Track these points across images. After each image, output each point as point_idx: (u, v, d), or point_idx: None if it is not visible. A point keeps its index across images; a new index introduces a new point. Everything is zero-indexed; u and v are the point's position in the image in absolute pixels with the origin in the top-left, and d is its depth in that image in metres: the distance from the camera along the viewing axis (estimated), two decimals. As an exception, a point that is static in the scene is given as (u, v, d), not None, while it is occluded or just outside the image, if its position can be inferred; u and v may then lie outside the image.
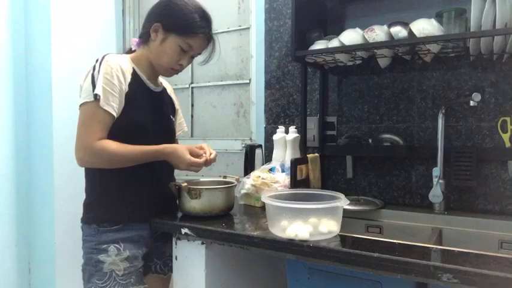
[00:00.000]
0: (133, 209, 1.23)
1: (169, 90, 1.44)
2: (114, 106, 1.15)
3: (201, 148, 1.29)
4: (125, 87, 1.19)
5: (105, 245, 1.19)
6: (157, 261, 1.36)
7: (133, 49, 1.32)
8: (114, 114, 1.16)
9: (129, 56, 1.28)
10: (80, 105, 1.16)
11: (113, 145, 1.15)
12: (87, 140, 1.13)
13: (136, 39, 1.31)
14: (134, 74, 1.23)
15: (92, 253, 1.20)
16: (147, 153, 1.20)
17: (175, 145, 1.26)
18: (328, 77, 1.72)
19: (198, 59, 1.34)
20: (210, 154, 1.27)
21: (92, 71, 1.16)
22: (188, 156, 1.21)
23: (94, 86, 1.13)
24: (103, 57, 1.18)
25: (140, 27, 1.45)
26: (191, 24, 1.21)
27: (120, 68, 1.18)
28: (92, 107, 1.13)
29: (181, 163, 1.22)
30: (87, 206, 1.25)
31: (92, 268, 1.20)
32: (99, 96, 1.12)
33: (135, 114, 1.20)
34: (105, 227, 1.20)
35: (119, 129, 1.17)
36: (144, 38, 1.27)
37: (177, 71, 1.29)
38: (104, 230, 1.20)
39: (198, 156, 1.24)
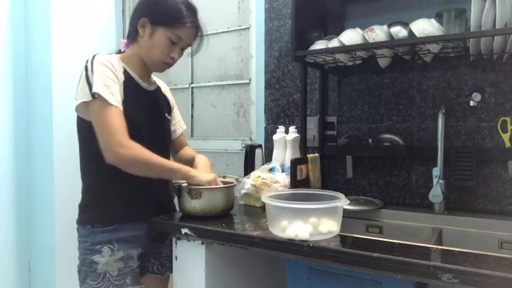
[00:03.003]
0: (127, 209, 1.23)
1: (164, 89, 1.43)
2: (119, 102, 1.15)
3: None
4: (121, 84, 1.18)
5: (99, 246, 1.19)
6: (155, 261, 1.36)
7: (122, 50, 1.31)
8: (122, 109, 1.15)
9: (118, 56, 1.26)
10: (86, 106, 1.14)
11: (144, 148, 1.15)
12: (120, 136, 1.11)
13: (125, 40, 1.31)
14: (126, 73, 1.22)
15: (87, 254, 1.19)
16: (174, 167, 1.22)
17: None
18: (328, 77, 1.72)
19: (188, 50, 1.34)
20: None
21: (84, 72, 1.15)
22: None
23: (90, 86, 1.12)
24: (93, 57, 1.17)
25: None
26: (178, 15, 1.21)
27: (113, 66, 1.18)
28: (102, 103, 1.12)
29: (207, 175, 1.25)
30: (83, 207, 1.25)
31: (86, 269, 1.19)
32: (98, 94, 1.11)
33: (128, 113, 1.18)
34: (99, 227, 1.20)
35: None
36: (132, 35, 1.26)
37: (168, 65, 1.28)
38: (98, 231, 1.20)
39: None
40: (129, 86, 1.22)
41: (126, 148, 1.11)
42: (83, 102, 1.14)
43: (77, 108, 1.19)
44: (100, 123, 1.13)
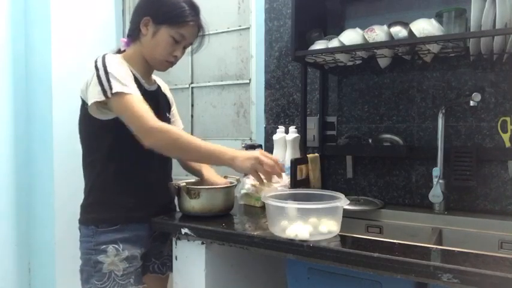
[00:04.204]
0: (131, 210, 1.22)
1: (163, 87, 1.43)
2: (137, 90, 1.14)
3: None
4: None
5: (104, 246, 1.18)
6: (156, 261, 1.36)
7: (122, 49, 1.31)
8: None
9: (122, 56, 1.26)
10: (110, 102, 1.12)
11: (179, 130, 1.17)
12: (153, 120, 1.10)
13: (125, 39, 1.30)
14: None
15: (91, 254, 1.19)
16: (214, 150, 1.14)
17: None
18: (328, 77, 1.72)
19: (189, 48, 1.33)
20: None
21: (96, 72, 1.13)
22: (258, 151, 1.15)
23: (103, 85, 1.10)
24: (104, 57, 1.16)
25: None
26: (181, 14, 1.21)
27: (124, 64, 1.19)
28: (125, 96, 1.10)
29: (251, 157, 1.11)
30: (86, 207, 1.25)
31: (90, 269, 1.19)
32: (118, 92, 1.09)
33: None
34: (104, 227, 1.20)
35: (118, 129, 1.16)
36: (134, 34, 1.26)
37: (171, 63, 1.28)
38: (102, 231, 1.20)
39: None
40: None
41: (162, 131, 1.10)
42: (96, 102, 1.12)
43: (90, 109, 1.17)
44: (128, 113, 1.11)
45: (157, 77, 1.41)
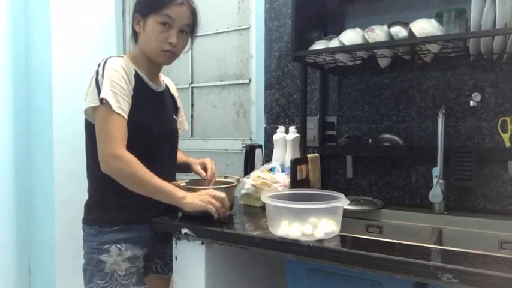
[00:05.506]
0: (134, 211, 1.22)
1: (172, 89, 1.43)
2: (124, 109, 1.15)
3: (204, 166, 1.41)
4: (131, 90, 1.19)
5: (107, 245, 1.19)
6: (158, 261, 1.36)
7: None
8: (125, 117, 1.15)
9: (128, 57, 1.26)
10: (93, 110, 1.15)
11: (139, 163, 1.14)
12: (114, 147, 1.12)
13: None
14: (137, 76, 1.22)
15: (94, 253, 1.19)
16: (165, 188, 1.17)
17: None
18: (328, 77, 1.72)
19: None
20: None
21: (95, 76, 1.15)
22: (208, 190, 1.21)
23: (99, 91, 1.13)
24: (105, 61, 1.17)
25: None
26: None
27: (125, 72, 1.17)
28: (106, 110, 1.12)
29: (201, 194, 1.18)
30: (89, 207, 1.25)
31: (93, 268, 1.19)
32: (105, 100, 1.11)
33: (139, 116, 1.19)
34: (107, 227, 1.20)
35: None
36: (134, 36, 1.27)
37: (171, 52, 1.23)
38: (105, 231, 1.20)
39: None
40: (140, 90, 1.22)
41: (116, 160, 1.12)
42: (92, 107, 1.15)
43: (86, 112, 1.20)
44: (100, 131, 1.15)
45: (166, 77, 1.41)
